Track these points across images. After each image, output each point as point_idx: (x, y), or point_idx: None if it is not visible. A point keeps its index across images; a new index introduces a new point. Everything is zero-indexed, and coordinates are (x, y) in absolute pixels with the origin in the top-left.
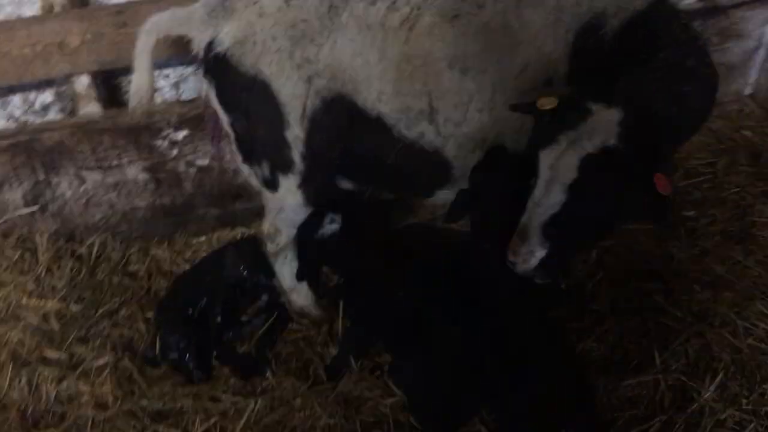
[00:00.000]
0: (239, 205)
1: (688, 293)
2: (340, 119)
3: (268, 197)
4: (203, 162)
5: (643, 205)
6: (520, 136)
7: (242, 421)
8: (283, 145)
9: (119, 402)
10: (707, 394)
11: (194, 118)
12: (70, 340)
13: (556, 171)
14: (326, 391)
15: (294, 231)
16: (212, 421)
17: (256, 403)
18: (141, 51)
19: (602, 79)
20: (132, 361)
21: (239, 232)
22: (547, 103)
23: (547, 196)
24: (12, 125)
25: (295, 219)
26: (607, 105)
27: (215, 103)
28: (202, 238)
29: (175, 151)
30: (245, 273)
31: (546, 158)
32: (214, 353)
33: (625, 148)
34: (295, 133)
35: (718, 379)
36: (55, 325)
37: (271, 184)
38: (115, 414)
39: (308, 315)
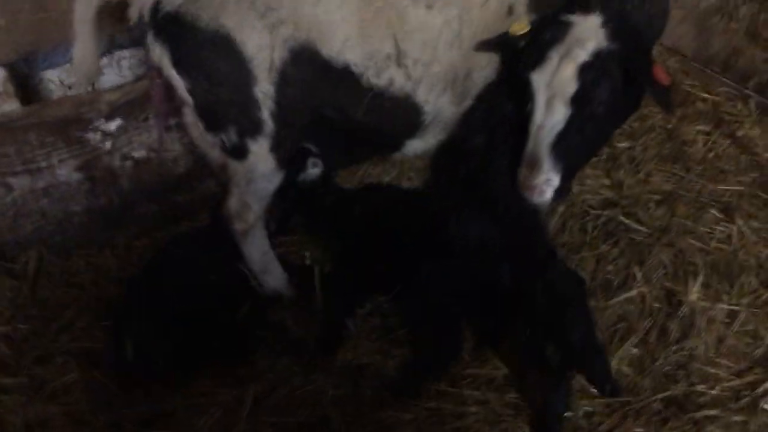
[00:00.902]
0: (181, 197)
1: (646, 212)
2: (308, 72)
3: (236, 168)
4: (140, 154)
5: (650, 97)
6: (488, 72)
7: (246, 410)
8: (252, 104)
9: (100, 417)
10: (693, 296)
11: (125, 104)
12: (26, 363)
13: (555, 87)
14: (324, 364)
15: (264, 204)
16: (215, 415)
17: (254, 389)
18: (81, 20)
19: None
20: (102, 373)
21: (185, 227)
22: (520, 29)
23: (550, 115)
24: None
25: (267, 188)
26: (584, 12)
27: (169, 69)
28: (146, 239)
29: (108, 144)
30: (205, 264)
31: (540, 78)
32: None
33: (618, 48)
34: (264, 89)
35: (699, 280)
36: (4, 349)
37: (239, 152)
38: (98, 429)
39: (281, 296)
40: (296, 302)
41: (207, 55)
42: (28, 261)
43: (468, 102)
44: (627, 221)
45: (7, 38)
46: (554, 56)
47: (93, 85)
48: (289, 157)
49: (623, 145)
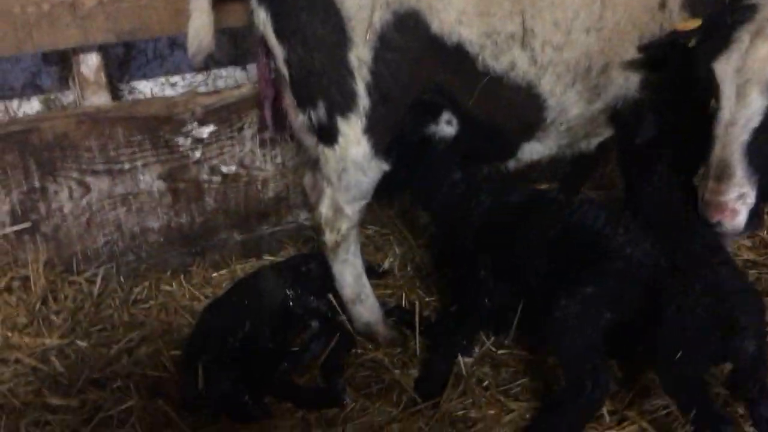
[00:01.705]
0: (266, 228)
1: None
2: (413, 42)
3: (327, 157)
4: (229, 168)
5: None
6: (629, 70)
7: None
8: (345, 71)
9: None
10: None
11: (221, 109)
12: (80, 383)
13: (748, 72)
14: (427, 413)
15: (358, 208)
16: None
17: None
18: None
19: None
20: (167, 403)
21: (267, 262)
22: (692, 24)
23: (744, 107)
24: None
25: (362, 183)
26: None
27: (270, 37)
28: (224, 271)
29: (198, 153)
30: (290, 295)
31: (726, 66)
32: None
33: None
34: (360, 55)
35: None
36: (58, 366)
37: (329, 134)
38: None
39: (375, 334)
40: (392, 343)
41: (306, 17)
42: (94, 279)
43: (600, 103)
44: None
45: (107, 17)
46: (744, 37)
47: None
48: (387, 146)
49: None
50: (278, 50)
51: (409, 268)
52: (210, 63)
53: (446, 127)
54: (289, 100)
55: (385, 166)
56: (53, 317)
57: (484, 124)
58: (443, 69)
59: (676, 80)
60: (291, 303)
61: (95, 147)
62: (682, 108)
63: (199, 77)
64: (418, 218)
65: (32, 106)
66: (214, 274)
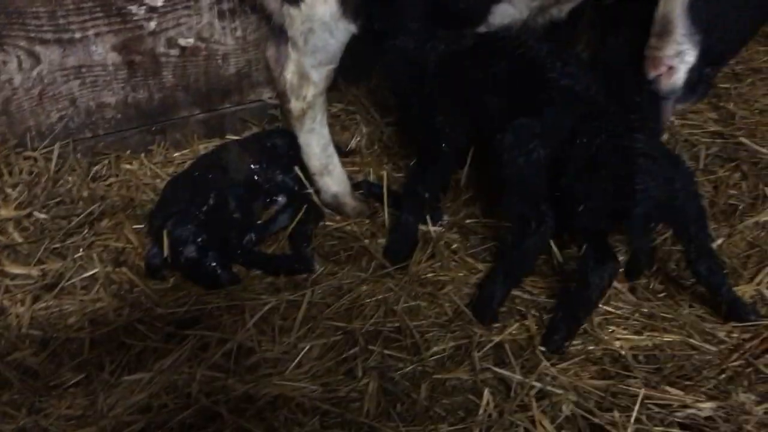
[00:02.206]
0: (229, 106)
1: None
2: None
3: (293, 18)
4: (187, 41)
5: None
6: None
7: (301, 312)
8: None
9: (125, 315)
10: None
11: None
12: (40, 253)
13: None
14: (395, 274)
15: (325, 74)
16: (263, 311)
17: (313, 293)
18: None
19: None
20: (132, 271)
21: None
22: None
23: None
24: None
25: (329, 45)
26: None
27: None
28: (186, 151)
29: (153, 24)
30: (255, 169)
31: None
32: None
33: None
34: None
35: None
36: (16, 236)
37: None
38: (122, 328)
39: (343, 206)
40: (360, 214)
41: None
42: (50, 155)
43: None
44: (749, 143)
45: None
46: None
47: None
48: (355, 5)
49: (726, 85)
50: None
51: (376, 147)
52: None
53: None
54: None
55: (353, 28)
56: (8, 190)
57: None
58: None
59: None
60: (256, 177)
61: (43, 13)
62: None
63: None
64: (386, 97)
65: None
66: (176, 154)
